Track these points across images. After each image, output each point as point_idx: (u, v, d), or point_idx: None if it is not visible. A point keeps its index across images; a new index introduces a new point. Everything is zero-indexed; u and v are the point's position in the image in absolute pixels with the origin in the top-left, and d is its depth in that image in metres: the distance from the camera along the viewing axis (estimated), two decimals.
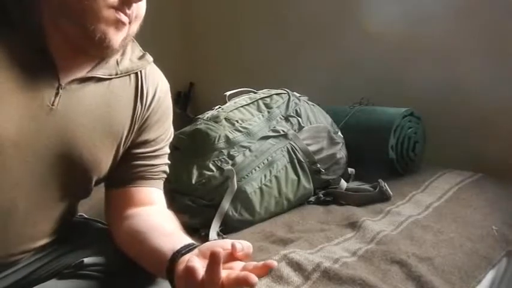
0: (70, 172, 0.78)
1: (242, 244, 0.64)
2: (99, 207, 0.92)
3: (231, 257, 0.64)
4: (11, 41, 0.69)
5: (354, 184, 1.46)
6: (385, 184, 1.35)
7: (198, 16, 2.47)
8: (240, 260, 0.64)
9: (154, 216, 0.83)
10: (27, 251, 0.80)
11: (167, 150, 0.91)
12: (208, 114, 1.40)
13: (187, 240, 0.73)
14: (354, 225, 1.17)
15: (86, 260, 0.78)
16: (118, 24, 0.70)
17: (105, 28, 0.69)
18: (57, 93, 0.72)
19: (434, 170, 1.53)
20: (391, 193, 1.34)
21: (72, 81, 0.74)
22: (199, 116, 1.41)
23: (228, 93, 1.48)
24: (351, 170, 1.52)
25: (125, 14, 0.70)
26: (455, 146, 1.67)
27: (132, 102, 0.82)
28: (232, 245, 0.63)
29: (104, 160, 0.82)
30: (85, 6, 0.67)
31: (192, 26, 2.48)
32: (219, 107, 1.43)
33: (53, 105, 0.72)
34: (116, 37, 0.71)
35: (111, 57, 0.78)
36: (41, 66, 0.71)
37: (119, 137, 0.82)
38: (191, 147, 1.32)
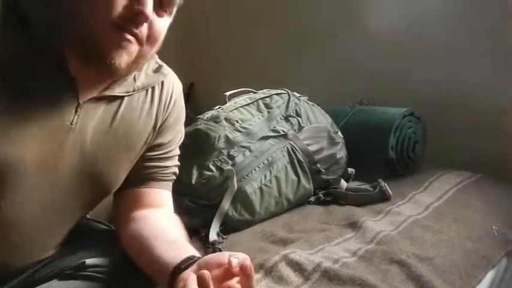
0: (90, 189, 0.78)
1: (238, 258, 0.64)
2: (98, 208, 0.92)
3: (229, 272, 0.64)
4: (33, 59, 0.68)
5: (354, 184, 1.46)
6: (385, 184, 1.35)
7: (198, 16, 2.46)
8: (237, 275, 0.64)
9: (160, 221, 0.83)
10: (35, 263, 0.80)
11: (178, 151, 0.91)
12: (208, 114, 1.40)
13: (188, 251, 0.73)
14: (354, 225, 1.17)
15: (88, 261, 0.78)
16: (122, 44, 0.67)
17: (108, 48, 0.66)
18: (76, 112, 0.72)
19: (434, 170, 1.53)
20: (391, 193, 1.33)
21: (90, 99, 0.73)
22: (199, 116, 1.42)
23: (228, 93, 1.48)
24: (351, 170, 1.52)
25: (131, 33, 0.67)
26: (455, 146, 1.67)
27: (151, 114, 0.82)
28: (229, 261, 0.63)
29: (122, 174, 0.82)
30: (87, 24, 0.65)
31: (192, 26, 2.47)
32: (219, 107, 1.43)
33: (71, 124, 0.71)
34: (120, 57, 0.67)
35: (122, 77, 0.75)
36: (61, 85, 0.70)
37: (137, 150, 0.82)
38: (191, 147, 1.31)
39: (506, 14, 1.56)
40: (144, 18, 0.66)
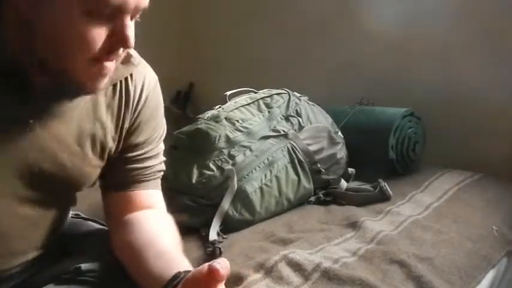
0: (57, 188, 0.76)
1: (220, 263, 0.62)
2: (97, 206, 0.92)
3: (213, 282, 0.62)
4: None
5: (354, 184, 1.46)
6: (385, 184, 1.35)
7: (198, 16, 2.47)
8: (222, 278, 0.62)
9: (152, 226, 0.81)
10: (19, 265, 0.79)
11: (161, 147, 0.87)
12: (209, 114, 1.40)
13: (177, 265, 0.71)
14: (354, 225, 1.17)
15: (84, 266, 0.77)
16: (102, 73, 0.66)
17: (87, 79, 0.65)
18: (33, 110, 0.69)
19: (434, 170, 1.53)
20: (391, 193, 1.34)
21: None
22: (200, 116, 1.41)
23: (228, 93, 1.48)
24: (351, 170, 1.52)
25: (111, 60, 0.66)
26: (455, 146, 1.67)
27: (118, 108, 0.77)
28: (210, 267, 0.61)
29: (92, 172, 0.79)
30: (65, 59, 0.63)
31: (192, 25, 2.47)
32: (220, 107, 1.43)
33: (31, 120, 0.69)
34: (100, 83, 0.67)
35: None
36: (18, 90, 0.67)
37: (104, 146, 0.78)
38: (191, 146, 1.32)
39: (506, 13, 1.56)
40: (127, 48, 0.66)
